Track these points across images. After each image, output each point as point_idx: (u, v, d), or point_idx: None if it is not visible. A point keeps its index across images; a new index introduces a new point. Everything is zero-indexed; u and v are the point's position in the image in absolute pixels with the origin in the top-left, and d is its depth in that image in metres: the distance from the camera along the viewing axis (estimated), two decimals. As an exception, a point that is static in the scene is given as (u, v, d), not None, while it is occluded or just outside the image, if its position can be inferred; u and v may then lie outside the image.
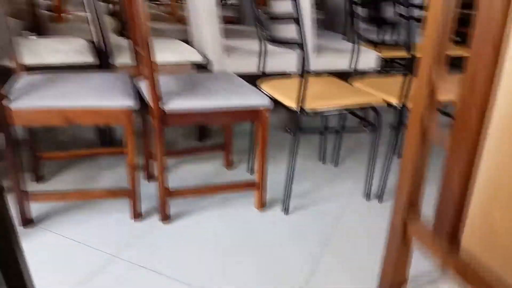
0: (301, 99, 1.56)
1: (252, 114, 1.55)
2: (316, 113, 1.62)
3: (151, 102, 1.42)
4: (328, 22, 3.63)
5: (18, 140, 1.41)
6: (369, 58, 2.53)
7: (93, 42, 2.23)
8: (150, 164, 1.87)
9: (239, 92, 1.55)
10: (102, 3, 4.03)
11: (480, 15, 0.43)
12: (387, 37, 2.93)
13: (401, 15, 2.79)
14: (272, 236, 1.56)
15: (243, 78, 1.88)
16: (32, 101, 1.33)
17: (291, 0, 1.44)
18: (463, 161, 0.49)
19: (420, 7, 2.82)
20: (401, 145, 2.32)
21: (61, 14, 3.10)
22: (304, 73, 1.52)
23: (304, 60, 1.51)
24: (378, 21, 2.65)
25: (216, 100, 1.48)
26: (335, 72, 2.83)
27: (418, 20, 2.82)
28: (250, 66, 2.28)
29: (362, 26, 2.97)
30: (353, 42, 2.23)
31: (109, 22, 3.03)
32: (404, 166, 0.58)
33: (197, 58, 2.13)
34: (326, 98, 1.66)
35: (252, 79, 1.91)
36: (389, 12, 3.23)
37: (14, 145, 1.36)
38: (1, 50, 1.45)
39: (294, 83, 1.84)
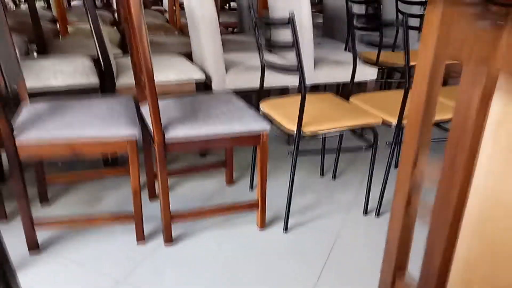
0: (300, 124, 1.59)
1: (252, 139, 1.58)
2: (315, 136, 1.66)
3: (153, 131, 1.46)
4: (328, 28, 3.64)
5: (23, 167, 1.45)
6: (369, 69, 2.55)
7: (97, 59, 2.27)
8: (153, 183, 1.92)
9: (239, 117, 1.58)
10: (104, 12, 4.06)
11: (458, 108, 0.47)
12: (387, 47, 2.96)
13: (400, 24, 2.81)
14: (274, 254, 1.60)
15: (244, 93, 1.91)
16: (37, 134, 1.38)
17: (289, 29, 1.47)
18: (444, 237, 0.53)
19: (420, 16, 2.84)
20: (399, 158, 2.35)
21: (65, 26, 3.13)
22: (302, 99, 1.55)
23: (302, 85, 1.55)
24: (378, 31, 2.67)
25: (217, 126, 1.52)
26: (335, 83, 2.86)
27: (417, 28, 2.84)
28: (251, 82, 2.31)
29: (361, 33, 2.99)
30: (353, 54, 2.26)
31: (111, 35, 3.07)
32: (391, 229, 0.62)
33: (198, 76, 2.16)
34: (325, 121, 1.69)
35: (253, 94, 1.95)
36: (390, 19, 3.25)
37: (21, 175, 1.41)
38: (10, 78, 1.49)
39: (293, 102, 1.87)
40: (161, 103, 1.68)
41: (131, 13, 1.23)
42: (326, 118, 1.72)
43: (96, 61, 2.33)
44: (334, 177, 2.23)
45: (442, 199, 0.49)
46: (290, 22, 1.42)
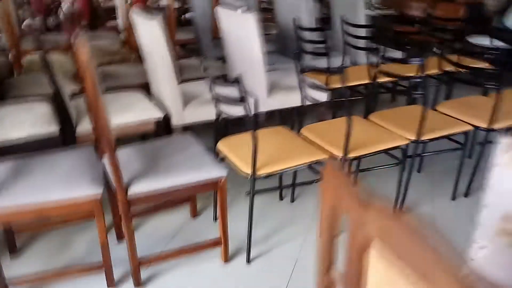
0: (253, 168, 1.73)
1: (211, 186, 1.71)
2: (270, 176, 1.80)
3: (116, 189, 1.56)
4: (280, 43, 3.77)
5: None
6: (319, 92, 2.70)
7: (55, 99, 2.31)
8: (120, 223, 2.00)
9: (198, 166, 1.70)
10: (58, 36, 4.02)
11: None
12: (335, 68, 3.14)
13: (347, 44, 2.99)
14: (239, 286, 1.74)
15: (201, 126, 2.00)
16: (3, 203, 1.45)
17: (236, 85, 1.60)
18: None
19: (368, 37, 3.03)
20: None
21: (20, 60, 3.11)
22: (254, 146, 1.69)
23: (253, 134, 1.68)
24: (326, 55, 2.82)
25: (177, 178, 1.63)
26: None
27: (362, 49, 3.02)
28: (209, 114, 2.41)
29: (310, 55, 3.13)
30: (302, 79, 2.41)
31: (66, 64, 3.08)
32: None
33: (157, 115, 2.25)
34: (278, 161, 1.83)
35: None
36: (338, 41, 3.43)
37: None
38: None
39: (249, 141, 1.99)
40: (121, 154, 1.76)
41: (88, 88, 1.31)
42: (279, 157, 1.85)
43: (55, 99, 2.36)
44: (293, 200, 2.39)
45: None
46: (237, 81, 1.55)
